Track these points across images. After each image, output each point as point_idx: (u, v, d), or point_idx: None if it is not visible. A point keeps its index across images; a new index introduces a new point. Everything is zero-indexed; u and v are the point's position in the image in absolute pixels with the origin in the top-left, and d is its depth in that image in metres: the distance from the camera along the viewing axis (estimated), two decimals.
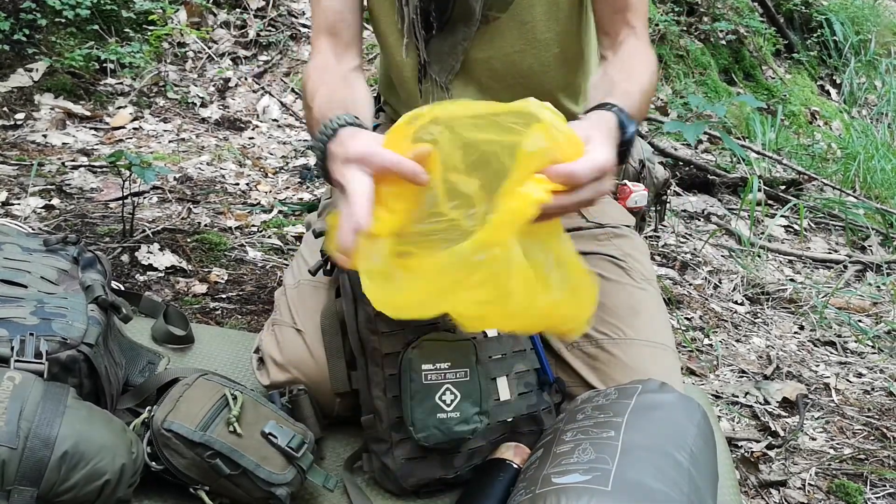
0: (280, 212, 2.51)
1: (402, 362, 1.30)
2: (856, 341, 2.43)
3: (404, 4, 1.47)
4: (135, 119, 3.07)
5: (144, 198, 2.46)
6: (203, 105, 3.28)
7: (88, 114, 3.01)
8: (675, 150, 3.54)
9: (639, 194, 1.72)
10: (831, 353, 2.37)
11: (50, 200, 2.34)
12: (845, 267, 2.96)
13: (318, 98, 1.36)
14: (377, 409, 1.32)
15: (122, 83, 3.21)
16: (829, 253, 3.10)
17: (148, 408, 1.24)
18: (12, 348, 1.15)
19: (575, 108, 1.64)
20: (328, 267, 1.43)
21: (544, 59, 1.53)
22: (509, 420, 1.37)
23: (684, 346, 2.22)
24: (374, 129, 1.70)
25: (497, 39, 1.49)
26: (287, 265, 2.17)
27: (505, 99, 1.47)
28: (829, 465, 1.81)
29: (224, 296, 1.99)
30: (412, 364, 1.28)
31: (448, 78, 1.53)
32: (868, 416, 2.02)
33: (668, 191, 1.85)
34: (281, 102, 3.37)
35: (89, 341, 1.23)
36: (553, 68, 1.54)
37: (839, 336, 2.45)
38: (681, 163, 3.46)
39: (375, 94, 1.82)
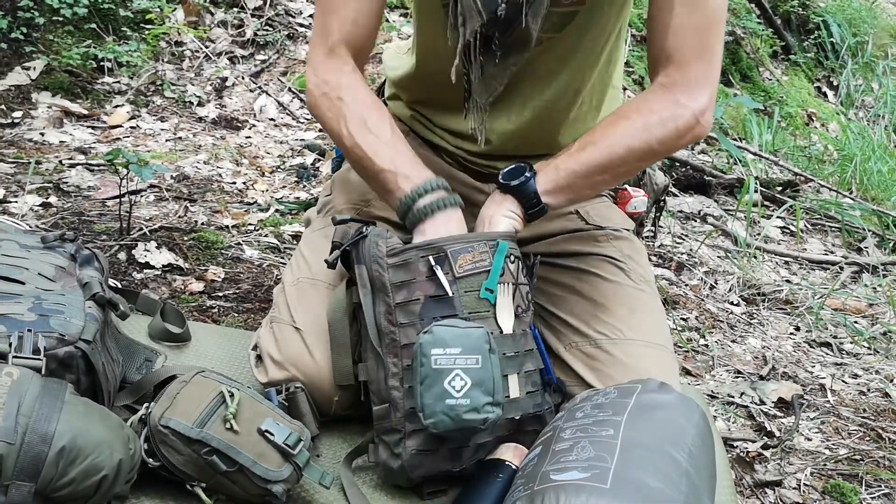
0: (277, 210, 2.51)
1: (414, 347, 1.29)
2: (852, 342, 2.44)
3: (460, 24, 1.38)
4: (132, 118, 3.07)
5: (141, 196, 2.45)
6: (200, 104, 3.28)
7: (86, 112, 3.01)
8: None
9: (638, 199, 1.72)
10: (827, 354, 2.37)
11: (47, 198, 2.33)
12: (841, 268, 2.97)
13: (380, 144, 1.45)
14: (392, 399, 1.32)
15: (119, 82, 3.21)
16: (826, 254, 3.11)
17: (145, 405, 1.24)
18: (10, 344, 1.15)
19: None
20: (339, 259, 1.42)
21: (578, 85, 1.53)
22: (517, 418, 1.37)
23: (680, 347, 2.22)
24: None
25: (543, 61, 1.48)
26: (284, 264, 2.18)
27: (529, 124, 1.56)
28: (825, 465, 1.81)
29: (221, 294, 1.99)
30: (422, 348, 1.28)
31: (488, 100, 1.48)
32: (863, 417, 2.03)
33: (666, 196, 1.86)
34: (278, 102, 3.37)
35: (87, 338, 1.23)
36: (585, 94, 1.56)
37: (835, 337, 2.45)
38: (677, 163, 3.47)
39: (377, 89, 1.82)
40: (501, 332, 1.35)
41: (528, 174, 1.41)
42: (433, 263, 1.34)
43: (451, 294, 1.33)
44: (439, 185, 1.42)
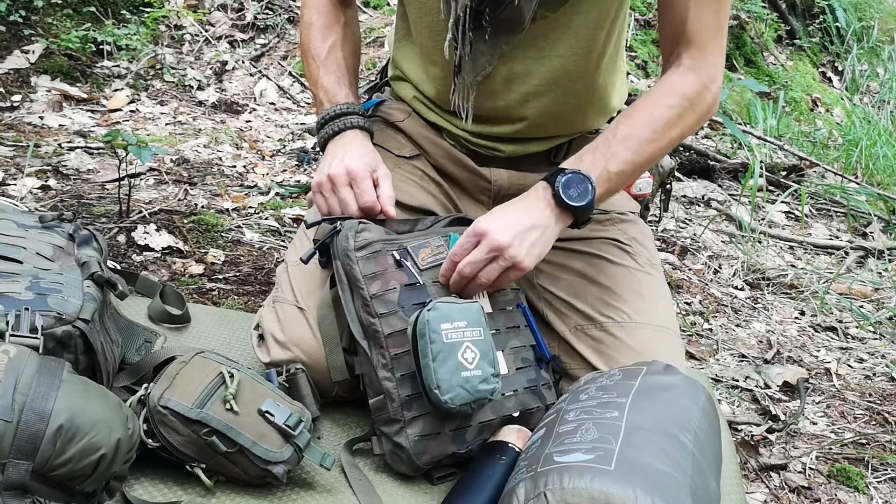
0: (277, 194, 2.50)
1: (418, 326, 1.28)
2: (857, 327, 2.42)
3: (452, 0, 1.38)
4: (131, 101, 3.05)
5: (141, 179, 2.44)
6: (200, 88, 3.26)
7: (85, 96, 2.99)
8: None
9: (643, 181, 1.71)
10: (832, 338, 2.35)
11: (46, 181, 2.32)
12: (846, 253, 2.95)
13: (314, 57, 1.58)
14: (386, 390, 1.31)
15: (118, 65, 3.19)
16: (831, 239, 3.09)
17: (144, 385, 1.23)
18: (7, 323, 1.13)
19: (594, 121, 1.61)
20: (324, 258, 1.43)
21: (582, 65, 1.50)
22: (513, 392, 1.36)
23: (684, 331, 2.20)
24: (378, 105, 1.68)
25: (540, 41, 1.45)
26: (284, 247, 2.16)
27: (529, 101, 1.42)
28: (830, 449, 1.80)
29: (221, 276, 1.98)
30: (430, 325, 1.26)
31: (475, 78, 1.47)
32: (869, 401, 2.01)
33: (672, 179, 1.84)
34: (278, 86, 3.35)
35: (85, 317, 1.21)
36: (588, 75, 1.52)
37: (840, 322, 2.44)
38: (681, 148, 3.44)
39: (381, 70, 1.80)
40: (484, 311, 1.35)
41: (591, 192, 1.36)
42: (398, 257, 1.37)
43: (421, 282, 1.36)
44: (348, 108, 1.52)
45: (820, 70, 4.95)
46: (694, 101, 1.41)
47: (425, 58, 1.56)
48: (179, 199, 2.33)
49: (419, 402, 1.30)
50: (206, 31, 3.52)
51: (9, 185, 2.26)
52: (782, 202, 3.25)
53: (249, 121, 3.10)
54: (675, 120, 1.41)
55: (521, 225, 1.34)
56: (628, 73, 3.66)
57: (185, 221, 2.18)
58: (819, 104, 4.52)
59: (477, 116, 1.52)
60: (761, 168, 3.28)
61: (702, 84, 1.42)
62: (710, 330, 2.26)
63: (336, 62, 1.58)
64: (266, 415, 1.22)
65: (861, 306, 2.54)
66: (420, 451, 1.30)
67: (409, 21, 1.57)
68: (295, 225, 2.32)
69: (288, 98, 3.31)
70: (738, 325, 2.33)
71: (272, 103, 3.28)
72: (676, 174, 3.26)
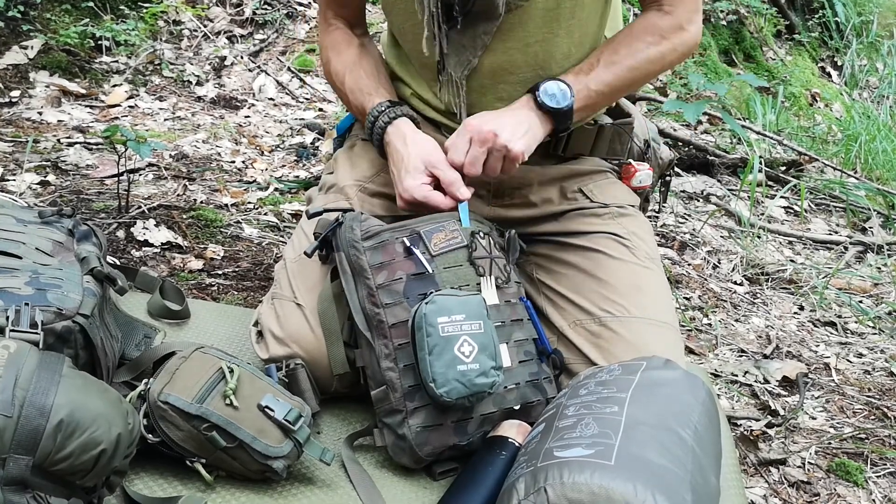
0: (276, 189, 2.49)
1: (416, 319, 1.28)
2: (856, 322, 2.42)
3: None
4: (130, 97, 3.05)
5: (140, 175, 2.43)
6: (199, 83, 3.25)
7: (84, 91, 2.98)
8: (675, 130, 3.52)
9: (643, 173, 1.71)
10: (831, 333, 2.35)
11: (45, 177, 2.31)
12: (846, 248, 2.95)
13: (347, 84, 1.60)
14: (389, 381, 1.31)
15: (117, 61, 3.19)
16: (830, 234, 3.09)
17: (144, 380, 1.23)
18: (7, 318, 1.13)
19: None
20: (323, 252, 1.43)
21: (567, 46, 1.49)
22: (515, 385, 1.36)
23: (683, 326, 2.21)
24: None
25: (518, 29, 1.45)
26: (283, 242, 2.16)
27: (520, 91, 1.43)
28: (830, 443, 1.80)
29: (220, 272, 1.98)
30: (427, 318, 1.27)
31: (464, 73, 1.48)
32: (868, 396, 2.01)
33: (671, 171, 1.84)
34: (277, 81, 3.35)
35: (85, 312, 1.21)
36: (575, 54, 1.51)
37: (839, 317, 2.44)
38: (680, 143, 3.44)
39: None
40: (485, 302, 1.35)
41: (572, 98, 1.45)
42: (408, 244, 1.36)
43: (430, 271, 1.35)
44: (374, 111, 1.52)
45: (819, 65, 4.95)
46: (673, 39, 1.51)
47: (414, 61, 1.57)
48: (178, 195, 2.33)
49: (421, 392, 1.30)
50: (205, 26, 3.51)
51: (8, 180, 2.26)
52: (781, 197, 3.25)
53: (248, 116, 3.09)
54: (655, 56, 1.50)
55: (508, 118, 1.43)
56: None
57: (185, 217, 2.18)
58: (818, 99, 4.52)
59: (471, 113, 1.52)
60: (760, 163, 3.28)
61: (679, 24, 1.51)
62: (710, 325, 2.26)
63: (355, 81, 1.59)
64: (266, 410, 1.22)
65: (860, 301, 2.54)
66: (422, 442, 1.31)
67: (394, 30, 1.58)
68: (294, 220, 2.31)
69: (287, 93, 3.31)
70: (737, 320, 2.33)
71: (271, 99, 3.27)
72: (676, 169, 3.26)
